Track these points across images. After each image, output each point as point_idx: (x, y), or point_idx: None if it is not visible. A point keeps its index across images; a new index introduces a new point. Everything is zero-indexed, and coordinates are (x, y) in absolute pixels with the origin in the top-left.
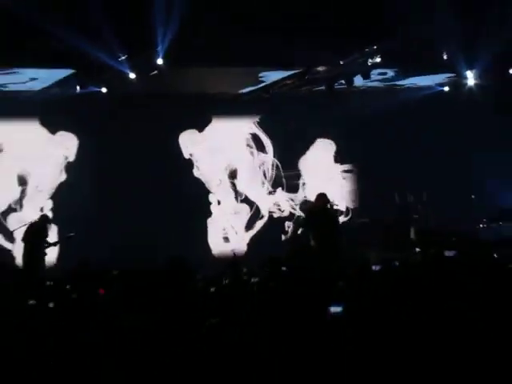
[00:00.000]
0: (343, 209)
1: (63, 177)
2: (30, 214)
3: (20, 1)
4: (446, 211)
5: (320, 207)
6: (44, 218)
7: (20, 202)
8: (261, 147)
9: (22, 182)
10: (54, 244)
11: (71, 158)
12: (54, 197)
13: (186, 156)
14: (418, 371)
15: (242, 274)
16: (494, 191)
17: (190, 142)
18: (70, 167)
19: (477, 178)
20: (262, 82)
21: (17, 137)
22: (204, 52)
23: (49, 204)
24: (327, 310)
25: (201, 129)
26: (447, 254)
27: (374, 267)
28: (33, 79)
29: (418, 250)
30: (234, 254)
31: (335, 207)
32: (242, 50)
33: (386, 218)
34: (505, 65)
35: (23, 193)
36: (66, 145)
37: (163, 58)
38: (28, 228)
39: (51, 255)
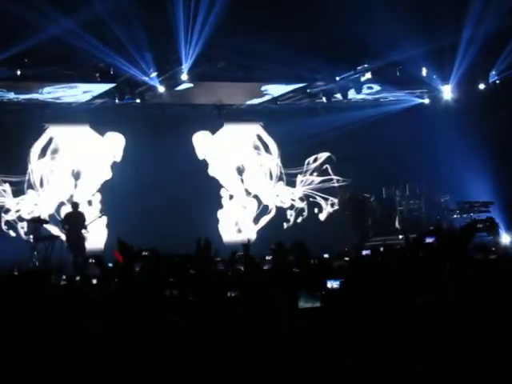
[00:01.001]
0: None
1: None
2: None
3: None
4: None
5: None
6: (75, 205)
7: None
8: (266, 148)
9: (75, 178)
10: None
11: (117, 158)
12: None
13: (201, 157)
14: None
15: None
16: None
17: (204, 144)
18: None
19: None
20: (266, 94)
21: (71, 138)
22: (220, 70)
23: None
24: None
25: (213, 131)
26: (427, 240)
27: (364, 252)
28: (85, 92)
29: (401, 236)
30: (248, 240)
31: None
32: (251, 69)
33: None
34: (476, 80)
35: (75, 188)
36: (112, 145)
37: (187, 73)
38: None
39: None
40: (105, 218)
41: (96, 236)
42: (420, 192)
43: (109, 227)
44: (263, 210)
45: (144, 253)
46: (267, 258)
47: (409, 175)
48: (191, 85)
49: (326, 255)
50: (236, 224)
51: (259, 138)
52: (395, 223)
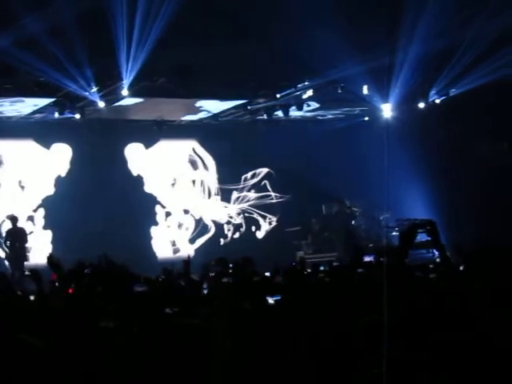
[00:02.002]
0: None
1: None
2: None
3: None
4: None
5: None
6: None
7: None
8: (203, 164)
9: (19, 192)
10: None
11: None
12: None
13: (135, 172)
14: None
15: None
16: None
17: (137, 157)
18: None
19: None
20: (205, 111)
21: (15, 152)
22: (161, 86)
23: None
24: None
25: (148, 146)
26: (367, 258)
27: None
28: (27, 106)
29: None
30: (189, 257)
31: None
32: (192, 86)
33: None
34: (416, 99)
35: (18, 202)
36: (58, 158)
37: (128, 89)
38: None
39: None
40: (49, 233)
41: (40, 251)
42: (360, 209)
43: (53, 242)
44: (201, 227)
45: (86, 270)
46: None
47: (348, 192)
48: (132, 100)
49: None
50: (172, 241)
51: (196, 153)
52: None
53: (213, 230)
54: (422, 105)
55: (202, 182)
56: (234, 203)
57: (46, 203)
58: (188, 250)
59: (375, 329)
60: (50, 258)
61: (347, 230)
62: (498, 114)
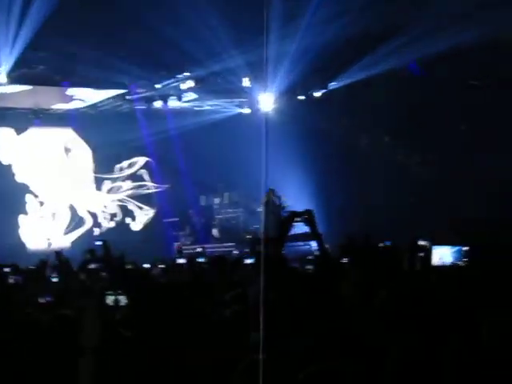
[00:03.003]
0: None
1: None
2: None
3: None
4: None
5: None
6: None
7: None
8: (78, 153)
9: None
10: None
11: None
12: None
13: (6, 162)
14: None
15: None
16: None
17: (9, 147)
18: None
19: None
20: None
21: None
22: (40, 73)
23: None
24: None
25: (20, 133)
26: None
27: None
28: None
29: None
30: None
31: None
32: (71, 74)
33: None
34: (296, 92)
35: None
36: None
37: (7, 76)
38: None
39: None
40: None
41: None
42: (238, 201)
43: None
44: (76, 219)
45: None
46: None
47: (227, 184)
48: (11, 87)
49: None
50: (45, 232)
51: (72, 142)
52: (212, 231)
53: (89, 221)
54: (301, 97)
55: (76, 172)
56: (109, 193)
57: None
58: (63, 242)
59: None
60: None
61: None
62: (378, 109)
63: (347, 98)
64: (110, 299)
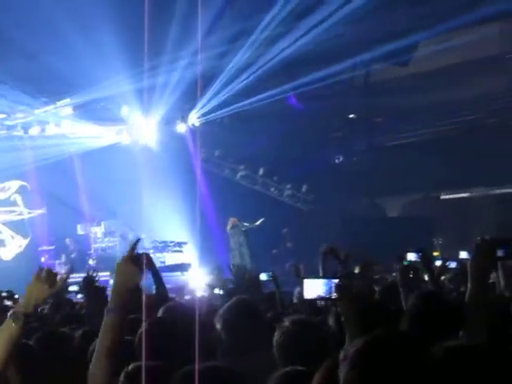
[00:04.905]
0: None
1: None
2: None
3: None
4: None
5: None
6: None
7: None
8: None
9: None
10: None
11: None
12: None
13: None
14: None
15: None
16: (162, 227)
17: None
18: None
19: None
20: None
21: None
22: None
23: None
24: None
25: None
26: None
27: None
28: None
29: None
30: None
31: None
32: None
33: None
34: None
35: None
36: None
37: None
38: None
39: None
40: None
41: None
42: (115, 230)
43: None
44: None
45: None
46: None
47: (105, 213)
48: None
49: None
50: None
51: None
52: (89, 261)
53: None
54: (181, 127)
55: None
56: None
57: None
58: None
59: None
60: None
61: None
62: (259, 141)
63: (225, 130)
64: None
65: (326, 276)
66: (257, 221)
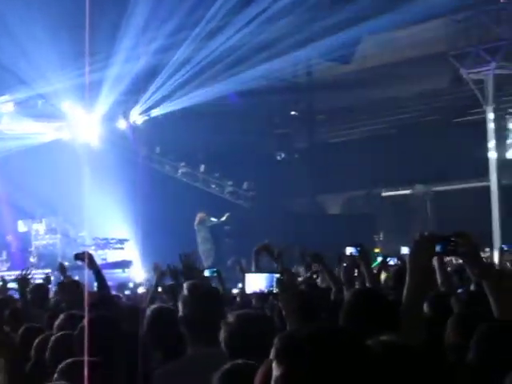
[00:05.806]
0: None
1: None
2: None
3: None
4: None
5: None
6: None
7: None
8: None
9: None
10: None
11: None
12: None
13: None
14: None
15: None
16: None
17: None
18: None
19: None
20: None
21: None
22: None
23: None
24: None
25: None
26: None
27: None
28: None
29: None
30: None
31: None
32: None
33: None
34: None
35: None
36: None
37: None
38: None
39: None
40: None
41: None
42: (56, 227)
43: None
44: None
45: None
46: None
47: (46, 210)
48: None
49: None
50: None
51: None
52: (30, 258)
53: None
54: (123, 124)
55: None
56: None
57: None
58: None
59: None
60: None
61: None
62: (199, 138)
63: (166, 126)
64: None
65: (268, 271)
66: (223, 216)
